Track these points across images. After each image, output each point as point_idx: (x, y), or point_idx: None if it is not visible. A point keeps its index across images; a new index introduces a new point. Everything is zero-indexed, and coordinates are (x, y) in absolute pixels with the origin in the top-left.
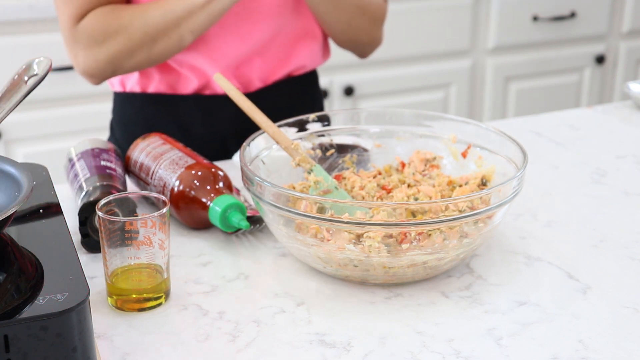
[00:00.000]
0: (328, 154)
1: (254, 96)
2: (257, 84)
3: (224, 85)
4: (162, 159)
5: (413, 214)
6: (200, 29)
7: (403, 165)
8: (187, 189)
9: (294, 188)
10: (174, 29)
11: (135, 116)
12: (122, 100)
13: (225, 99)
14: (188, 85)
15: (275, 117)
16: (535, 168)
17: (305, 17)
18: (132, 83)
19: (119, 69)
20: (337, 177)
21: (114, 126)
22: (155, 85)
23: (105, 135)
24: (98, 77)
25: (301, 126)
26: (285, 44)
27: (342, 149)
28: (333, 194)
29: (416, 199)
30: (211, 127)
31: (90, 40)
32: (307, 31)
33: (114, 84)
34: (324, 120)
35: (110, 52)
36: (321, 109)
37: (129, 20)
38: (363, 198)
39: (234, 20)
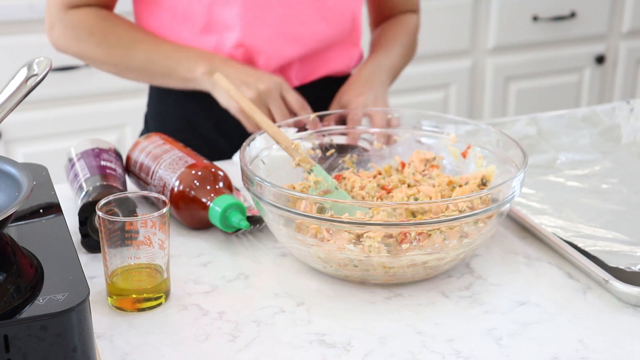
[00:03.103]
0: (328, 154)
1: None
2: (294, 82)
3: (224, 85)
4: (162, 159)
5: (413, 214)
6: (170, 87)
7: (403, 165)
8: (187, 189)
9: (294, 188)
10: (149, 77)
11: (172, 110)
12: (159, 94)
13: None
14: None
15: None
16: None
17: (353, 25)
18: None
19: (82, 60)
20: (337, 177)
21: (148, 119)
22: None
23: (105, 135)
24: (62, 52)
25: (301, 126)
26: (327, 51)
27: (342, 149)
28: (333, 194)
29: (416, 199)
30: None
31: (74, 31)
32: (351, 39)
33: None
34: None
35: (83, 51)
36: None
37: (115, 43)
38: (363, 198)
39: (282, 24)
